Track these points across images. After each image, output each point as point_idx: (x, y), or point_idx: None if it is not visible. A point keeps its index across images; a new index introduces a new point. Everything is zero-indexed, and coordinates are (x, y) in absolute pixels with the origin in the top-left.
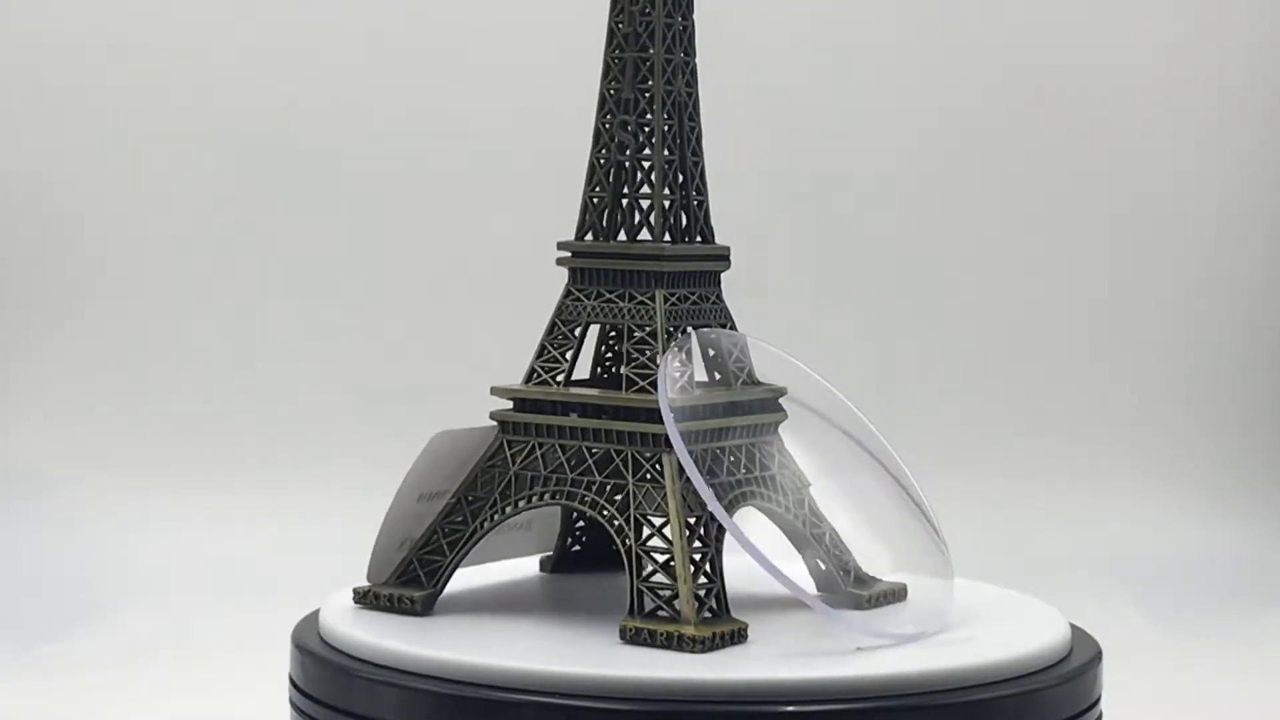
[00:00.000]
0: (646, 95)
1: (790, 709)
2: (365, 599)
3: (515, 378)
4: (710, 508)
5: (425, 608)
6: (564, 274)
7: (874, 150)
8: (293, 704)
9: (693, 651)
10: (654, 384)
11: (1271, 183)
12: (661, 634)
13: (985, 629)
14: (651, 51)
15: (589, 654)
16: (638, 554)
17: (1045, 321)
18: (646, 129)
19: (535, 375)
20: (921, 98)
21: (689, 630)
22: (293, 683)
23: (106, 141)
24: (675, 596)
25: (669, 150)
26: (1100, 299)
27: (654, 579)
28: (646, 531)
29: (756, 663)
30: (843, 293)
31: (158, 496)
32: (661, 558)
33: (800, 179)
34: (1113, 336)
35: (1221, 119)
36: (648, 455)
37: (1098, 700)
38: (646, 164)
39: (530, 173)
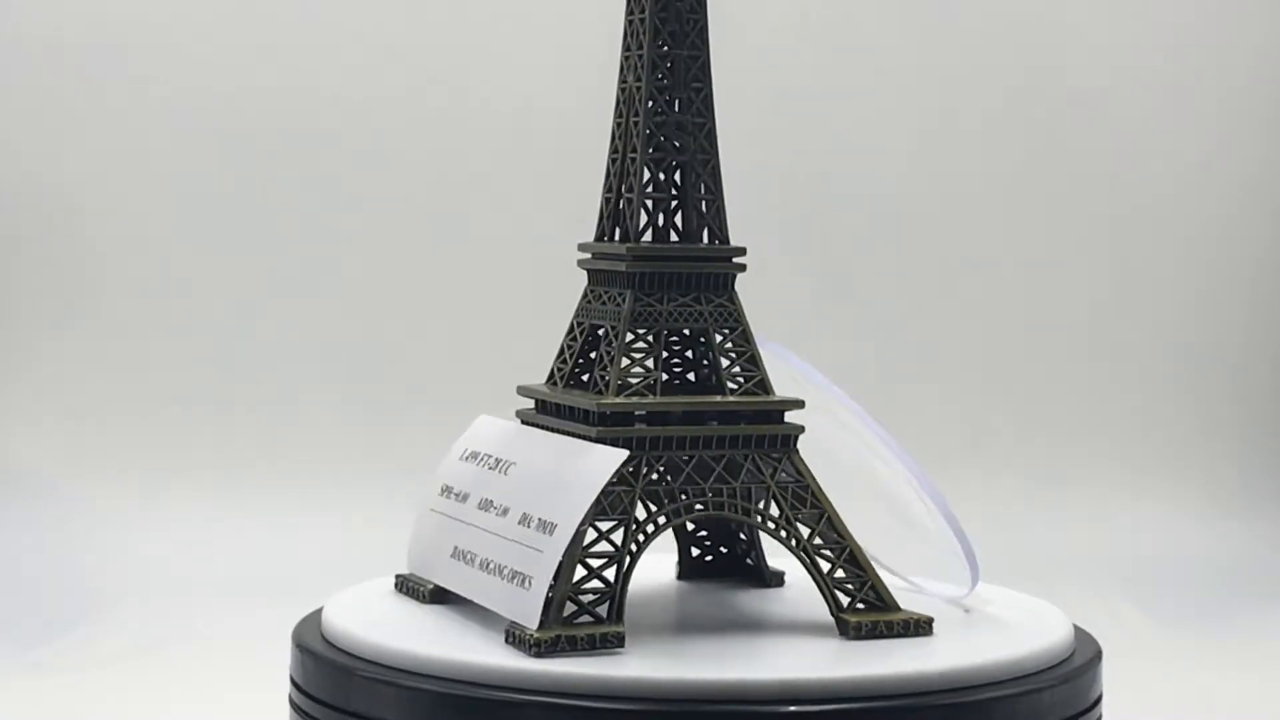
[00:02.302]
0: (662, 94)
1: (790, 709)
2: (556, 646)
3: (517, 378)
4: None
5: (622, 640)
6: (560, 273)
7: (874, 151)
8: (293, 704)
9: (928, 635)
10: (759, 385)
11: (1272, 182)
12: (898, 623)
13: (985, 629)
14: (670, 49)
15: (589, 653)
16: (811, 552)
17: (1045, 321)
18: (663, 126)
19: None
20: (922, 98)
21: (915, 615)
22: (293, 682)
23: (110, 143)
24: (872, 586)
25: (699, 150)
26: (1101, 299)
27: (837, 574)
28: (804, 530)
29: (757, 663)
30: (842, 293)
31: (158, 496)
32: (829, 552)
33: (801, 179)
34: (1113, 336)
35: (1222, 119)
36: (775, 456)
37: (1098, 700)
38: (665, 163)
39: (526, 173)
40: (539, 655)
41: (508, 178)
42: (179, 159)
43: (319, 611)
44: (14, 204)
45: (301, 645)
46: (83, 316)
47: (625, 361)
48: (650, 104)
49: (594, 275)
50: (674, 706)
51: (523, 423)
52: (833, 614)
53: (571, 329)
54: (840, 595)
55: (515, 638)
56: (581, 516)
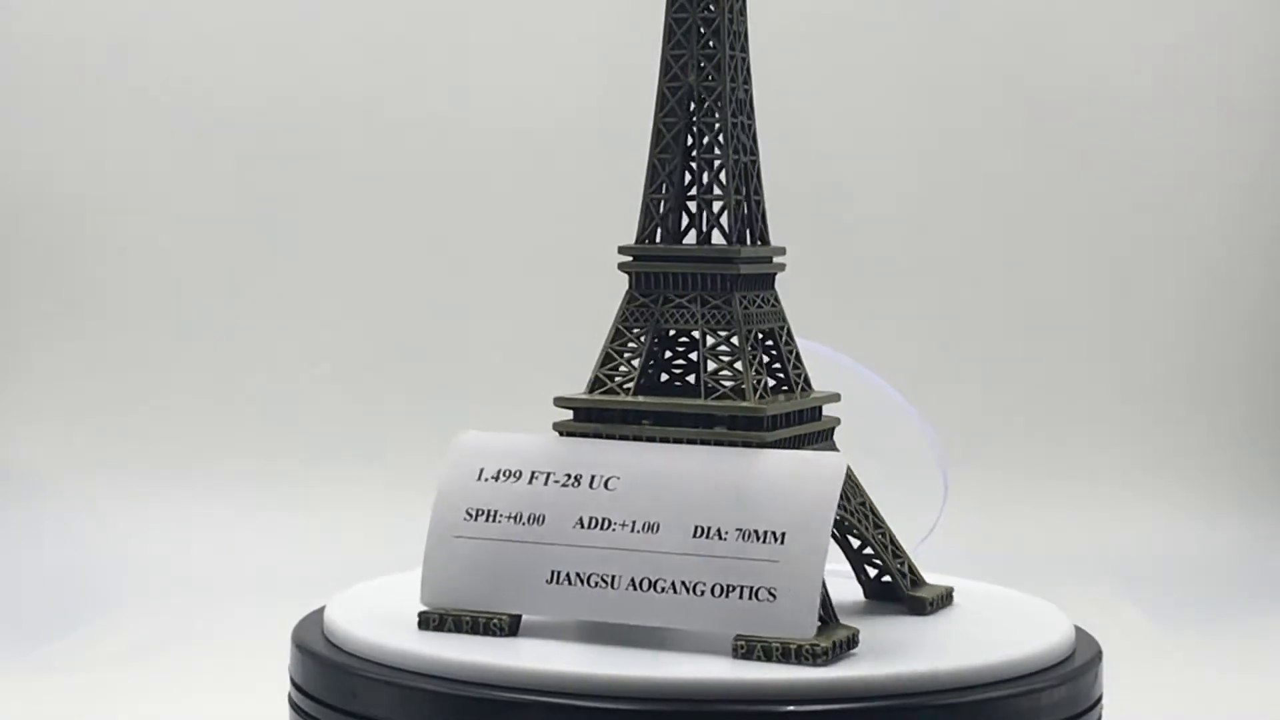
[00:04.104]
0: (712, 92)
1: (790, 709)
2: (836, 652)
3: (517, 377)
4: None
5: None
6: (557, 277)
7: (873, 152)
8: (292, 703)
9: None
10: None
11: (1274, 182)
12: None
13: (986, 629)
14: (715, 45)
15: (590, 653)
16: (878, 542)
17: (1046, 321)
18: (714, 127)
19: (600, 384)
20: (921, 99)
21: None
22: (293, 682)
23: (110, 143)
24: (913, 569)
25: (744, 150)
26: (1101, 299)
27: (896, 560)
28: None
29: (757, 663)
30: (842, 293)
31: (158, 496)
32: (877, 538)
33: (800, 180)
34: (1114, 336)
35: (1225, 118)
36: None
37: (1098, 700)
38: (716, 164)
39: (531, 177)
40: (826, 664)
41: (509, 179)
42: (179, 158)
43: (319, 611)
44: (13, 204)
45: (301, 645)
46: (82, 316)
47: (743, 366)
48: (722, 103)
49: (658, 279)
50: (670, 706)
51: (564, 434)
52: (904, 595)
53: (622, 334)
54: (902, 582)
55: (787, 651)
56: (830, 523)
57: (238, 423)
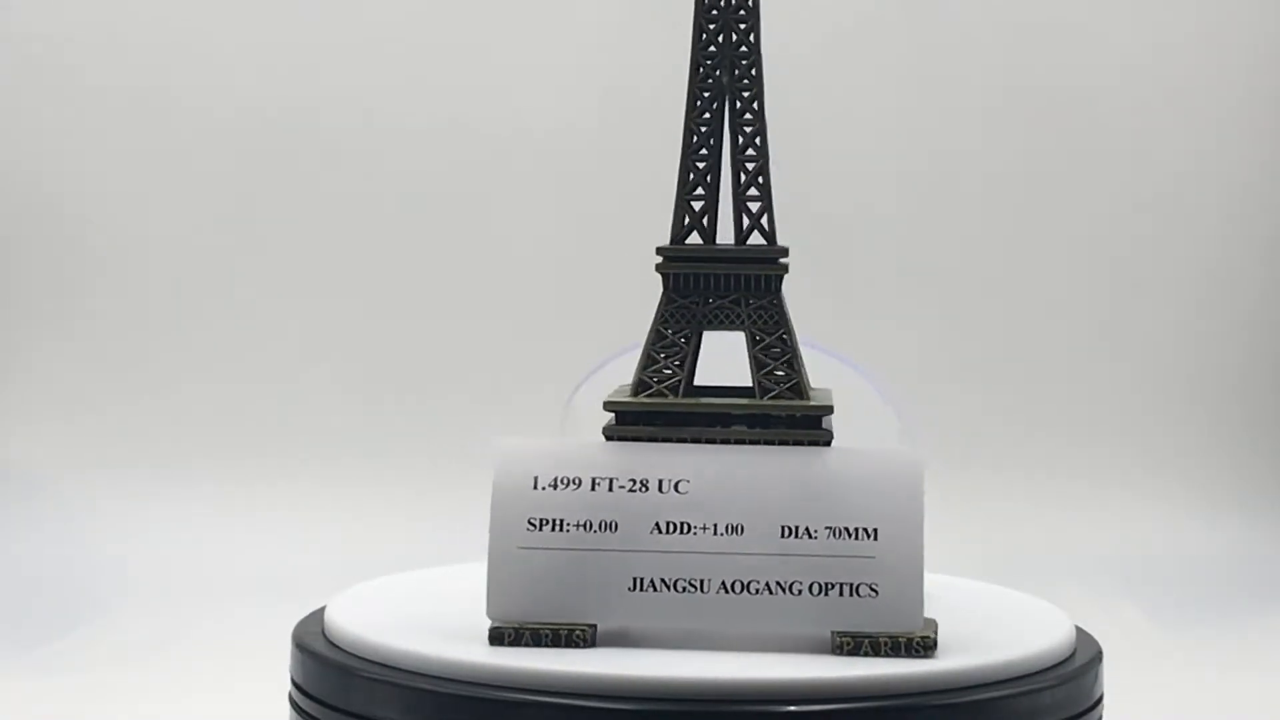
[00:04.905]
0: (747, 93)
1: (790, 709)
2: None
3: (520, 378)
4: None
5: None
6: (557, 277)
7: (873, 152)
8: (293, 703)
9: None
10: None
11: (1273, 182)
12: None
13: (986, 629)
14: (747, 48)
15: (589, 653)
16: None
17: (1045, 321)
18: (751, 128)
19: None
20: (921, 99)
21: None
22: (293, 682)
23: (109, 140)
24: None
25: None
26: (1100, 299)
27: None
28: None
29: (756, 663)
30: (842, 293)
31: (158, 496)
32: None
33: (799, 180)
34: (1114, 336)
35: (1224, 119)
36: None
37: (1099, 701)
38: (751, 165)
39: (531, 177)
40: (934, 655)
41: (509, 179)
42: (179, 158)
43: (319, 611)
44: (12, 203)
45: (301, 645)
46: (81, 315)
47: (798, 365)
48: (758, 103)
49: (698, 280)
50: (670, 706)
51: (610, 438)
52: None
53: (663, 336)
54: None
55: (896, 644)
56: (923, 516)
57: (237, 422)
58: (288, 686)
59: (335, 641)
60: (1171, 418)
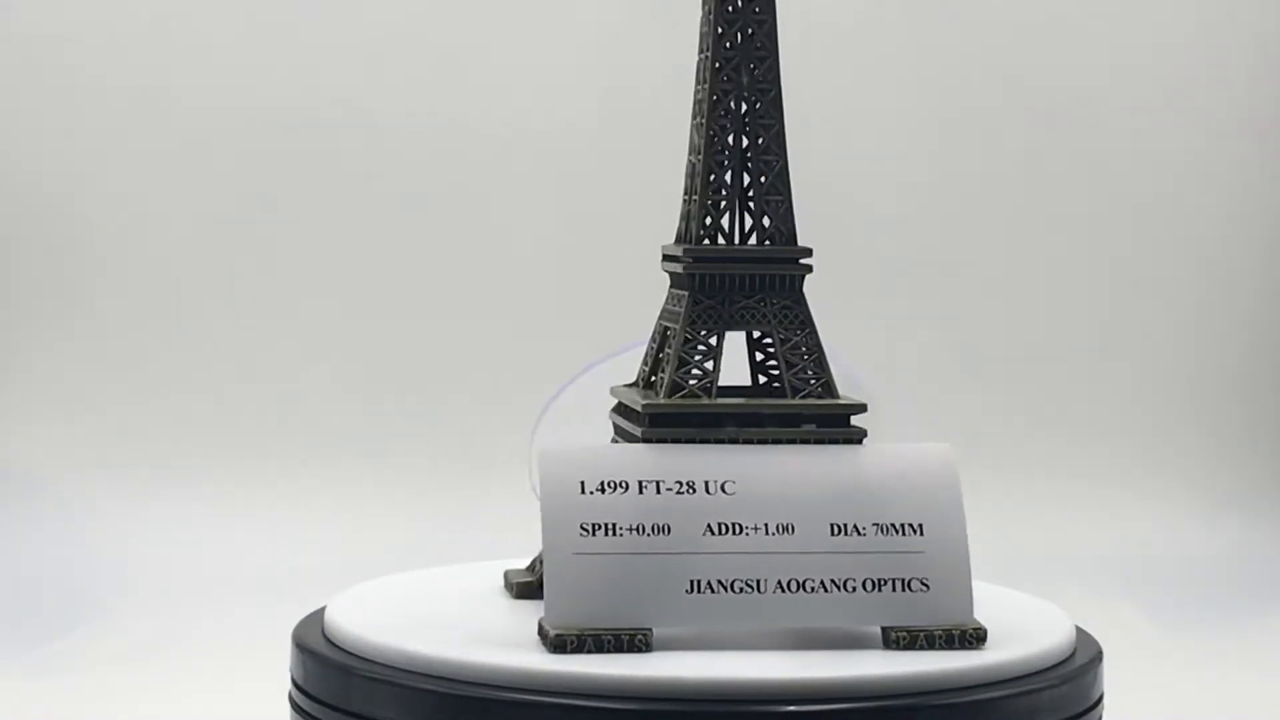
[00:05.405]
0: (768, 91)
1: (790, 709)
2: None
3: (520, 378)
4: None
5: None
6: (557, 277)
7: (874, 153)
8: (293, 703)
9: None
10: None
11: (1273, 182)
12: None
13: (986, 629)
14: (764, 46)
15: (589, 654)
16: None
17: (1046, 322)
18: (771, 128)
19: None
20: (921, 100)
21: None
22: (293, 682)
23: (109, 140)
24: None
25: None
26: (1101, 299)
27: None
28: None
29: (756, 663)
30: (844, 293)
31: (158, 496)
32: None
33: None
34: (1114, 336)
35: (1223, 119)
36: None
37: (1099, 700)
38: (774, 164)
39: (531, 177)
40: (985, 647)
41: (508, 179)
42: (178, 158)
43: (319, 611)
44: (11, 203)
45: (301, 645)
46: (81, 315)
47: (826, 364)
48: (777, 104)
49: (722, 280)
50: (670, 706)
51: (647, 440)
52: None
53: (690, 338)
54: None
55: (950, 637)
56: (963, 509)
57: (237, 422)
58: (288, 686)
59: (335, 641)
60: (1171, 418)
